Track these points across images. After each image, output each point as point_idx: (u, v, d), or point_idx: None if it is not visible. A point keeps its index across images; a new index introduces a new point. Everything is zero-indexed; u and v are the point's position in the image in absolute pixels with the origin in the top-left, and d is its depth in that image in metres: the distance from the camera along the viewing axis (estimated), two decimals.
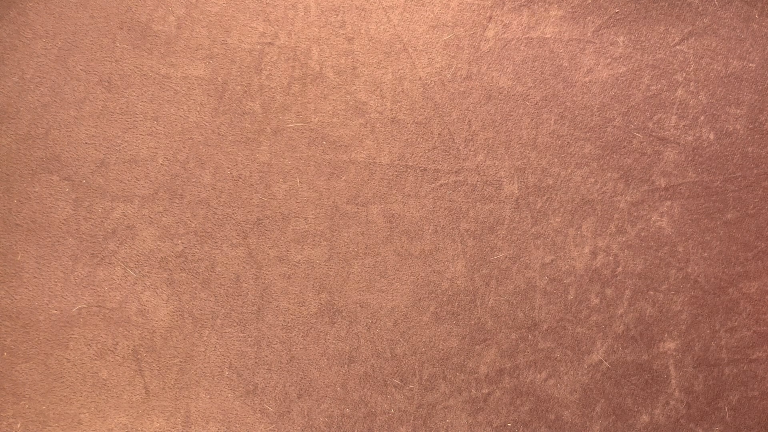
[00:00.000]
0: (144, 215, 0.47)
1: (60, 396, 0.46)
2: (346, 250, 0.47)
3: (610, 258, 0.47)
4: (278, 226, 0.47)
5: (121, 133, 0.47)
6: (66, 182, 0.47)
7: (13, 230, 0.47)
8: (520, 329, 0.46)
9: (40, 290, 0.47)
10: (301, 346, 0.47)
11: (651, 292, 0.47)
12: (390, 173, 0.47)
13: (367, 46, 0.48)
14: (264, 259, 0.47)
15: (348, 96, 0.48)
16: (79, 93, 0.47)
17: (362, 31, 0.48)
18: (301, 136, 0.48)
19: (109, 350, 0.46)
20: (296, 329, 0.47)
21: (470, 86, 0.48)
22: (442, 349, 0.46)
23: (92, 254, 0.47)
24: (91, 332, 0.46)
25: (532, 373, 0.46)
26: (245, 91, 0.47)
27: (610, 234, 0.47)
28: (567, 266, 0.47)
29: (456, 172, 0.47)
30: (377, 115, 0.47)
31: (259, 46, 0.47)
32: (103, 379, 0.46)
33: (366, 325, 0.47)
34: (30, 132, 0.47)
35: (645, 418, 0.47)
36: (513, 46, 0.48)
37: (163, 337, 0.47)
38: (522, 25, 0.48)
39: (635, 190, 0.47)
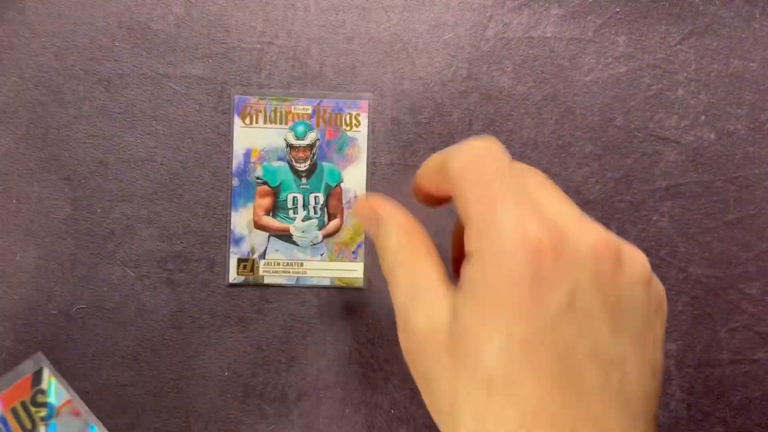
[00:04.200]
0: (143, 215, 0.47)
1: None
2: None
3: None
4: None
5: (120, 132, 0.47)
6: (65, 182, 0.47)
7: (12, 230, 0.47)
8: None
9: (38, 290, 0.46)
10: (301, 347, 0.47)
11: None
12: (390, 173, 0.47)
13: (367, 46, 0.47)
14: None
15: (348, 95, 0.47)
16: (78, 92, 0.47)
17: (362, 30, 0.48)
18: None
19: (108, 350, 0.46)
20: (296, 329, 0.47)
21: (470, 86, 0.48)
22: None
23: (91, 254, 0.47)
24: (90, 332, 0.46)
25: None
26: (245, 91, 0.47)
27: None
28: None
29: None
30: (378, 115, 0.47)
31: (258, 46, 0.47)
32: (103, 380, 0.46)
33: (366, 325, 0.47)
34: (29, 132, 0.47)
35: None
36: (513, 46, 0.48)
37: (163, 337, 0.47)
38: (522, 24, 0.48)
39: (636, 190, 0.47)
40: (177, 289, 0.47)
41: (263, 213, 0.46)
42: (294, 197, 0.45)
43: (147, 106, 0.47)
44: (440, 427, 0.27)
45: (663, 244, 0.47)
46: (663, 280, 0.47)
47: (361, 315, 0.47)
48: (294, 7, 0.47)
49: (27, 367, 0.36)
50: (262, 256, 0.45)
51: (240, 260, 0.46)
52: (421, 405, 0.46)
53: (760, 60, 0.48)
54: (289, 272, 0.46)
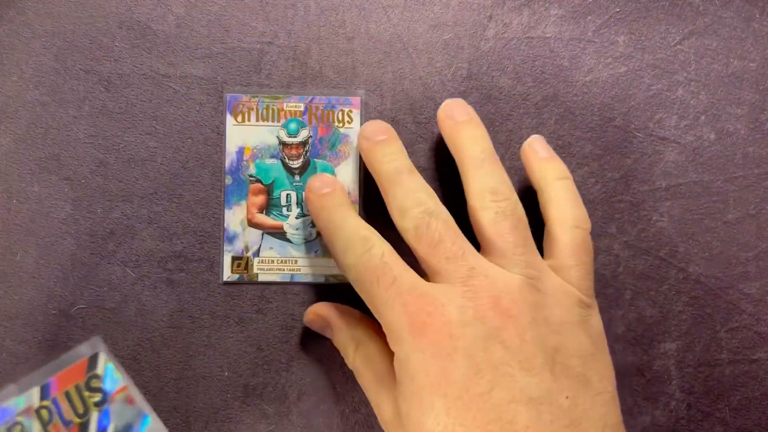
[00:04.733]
0: (143, 215, 0.47)
1: None
2: None
3: (611, 258, 0.47)
4: None
5: (120, 132, 0.47)
6: (65, 182, 0.47)
7: (12, 230, 0.47)
8: None
9: (39, 290, 0.46)
10: (301, 347, 0.47)
11: (651, 293, 0.47)
12: None
13: (367, 46, 0.48)
14: None
15: (348, 95, 0.47)
16: (79, 92, 0.47)
17: (362, 30, 0.48)
18: None
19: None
20: (296, 329, 0.47)
21: (470, 86, 0.48)
22: None
23: (91, 254, 0.47)
24: (90, 332, 0.46)
25: None
26: (244, 91, 0.47)
27: (610, 234, 0.47)
28: None
29: (456, 172, 0.47)
30: (377, 114, 0.47)
31: (258, 46, 0.47)
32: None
33: None
34: (29, 132, 0.47)
35: (646, 418, 0.47)
36: (513, 46, 0.48)
37: (163, 337, 0.47)
38: (522, 24, 0.48)
39: (636, 190, 0.47)
40: (177, 289, 0.47)
41: (256, 211, 0.46)
42: (287, 194, 0.46)
43: (147, 106, 0.47)
44: None
45: (663, 244, 0.47)
46: (663, 280, 0.47)
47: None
48: (294, 7, 0.47)
49: (83, 350, 0.36)
50: (256, 254, 0.45)
51: (234, 258, 0.46)
52: None
53: (760, 60, 0.48)
54: (284, 270, 0.46)
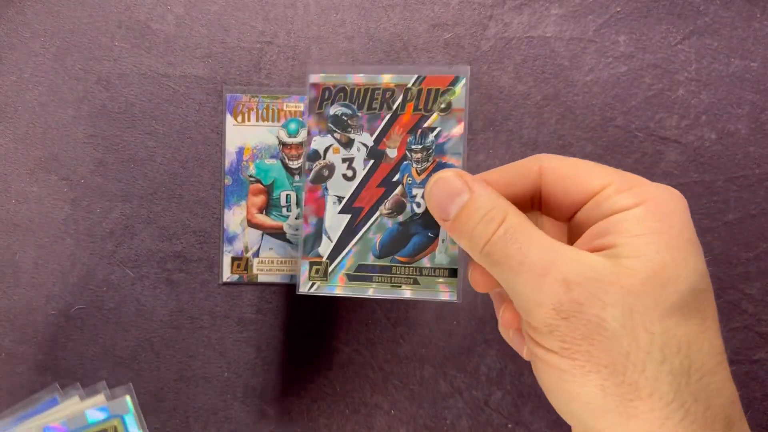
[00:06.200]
0: (143, 215, 0.47)
1: None
2: None
3: None
4: None
5: (119, 132, 0.47)
6: (64, 182, 0.47)
7: (11, 230, 0.47)
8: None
9: (38, 290, 0.46)
10: (301, 347, 0.47)
11: None
12: None
13: (367, 45, 0.47)
14: None
15: None
16: (78, 92, 0.47)
17: (362, 29, 0.47)
18: None
19: (108, 350, 0.46)
20: (295, 329, 0.47)
21: (471, 86, 0.47)
22: (443, 350, 0.46)
23: (90, 254, 0.47)
24: (89, 333, 0.46)
25: (533, 374, 0.46)
26: (244, 90, 0.47)
27: None
28: None
29: None
30: None
31: (258, 45, 0.47)
32: (103, 380, 0.46)
33: (365, 325, 0.47)
34: (28, 131, 0.47)
35: None
36: (514, 45, 0.48)
37: (163, 337, 0.47)
38: (523, 23, 0.48)
39: None
40: (176, 289, 0.47)
41: (256, 211, 0.46)
42: (287, 195, 0.46)
43: (147, 106, 0.47)
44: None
45: None
46: None
47: (361, 315, 0.47)
48: (294, 6, 0.47)
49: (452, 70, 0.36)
50: (256, 254, 0.45)
51: (234, 259, 0.46)
52: (421, 405, 0.46)
53: (761, 60, 0.48)
54: (283, 270, 0.46)
